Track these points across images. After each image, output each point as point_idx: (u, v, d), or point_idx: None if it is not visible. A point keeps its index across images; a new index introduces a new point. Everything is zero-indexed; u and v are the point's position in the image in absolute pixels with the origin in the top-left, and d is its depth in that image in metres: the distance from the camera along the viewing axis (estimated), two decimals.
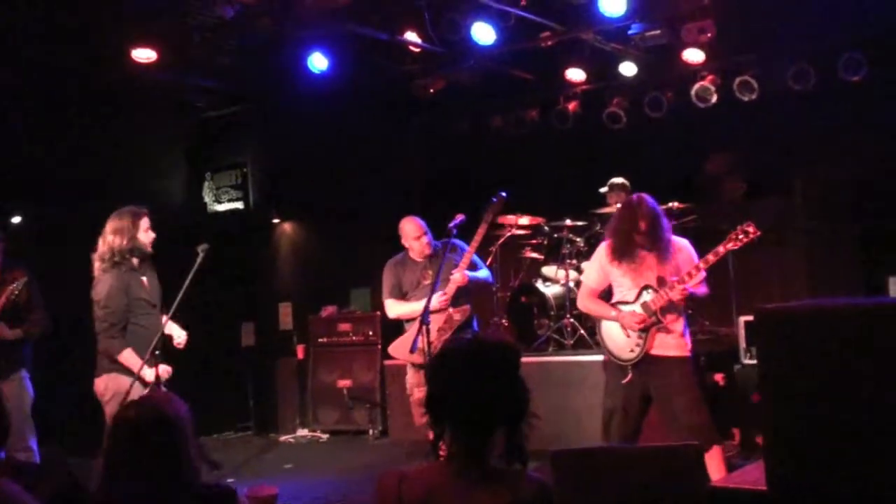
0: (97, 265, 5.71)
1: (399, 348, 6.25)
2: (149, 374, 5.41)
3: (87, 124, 8.67)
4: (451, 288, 6.09)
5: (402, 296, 6.36)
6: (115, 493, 2.60)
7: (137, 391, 5.29)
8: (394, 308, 6.39)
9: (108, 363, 5.57)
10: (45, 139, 8.35)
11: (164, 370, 5.55)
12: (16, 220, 8.55)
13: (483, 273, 6.41)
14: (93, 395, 5.65)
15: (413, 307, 6.19)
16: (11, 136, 8.11)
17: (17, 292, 6.04)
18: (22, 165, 8.23)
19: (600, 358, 6.35)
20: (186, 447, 2.67)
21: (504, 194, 6.22)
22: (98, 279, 5.66)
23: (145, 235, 5.79)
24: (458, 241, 6.28)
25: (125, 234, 5.69)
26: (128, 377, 5.41)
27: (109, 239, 5.67)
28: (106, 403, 5.53)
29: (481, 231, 6.15)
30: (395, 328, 8.91)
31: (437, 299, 5.97)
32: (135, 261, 5.74)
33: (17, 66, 7.57)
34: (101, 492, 2.63)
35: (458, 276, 6.09)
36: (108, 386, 5.52)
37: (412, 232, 6.32)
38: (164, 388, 5.42)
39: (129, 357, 5.48)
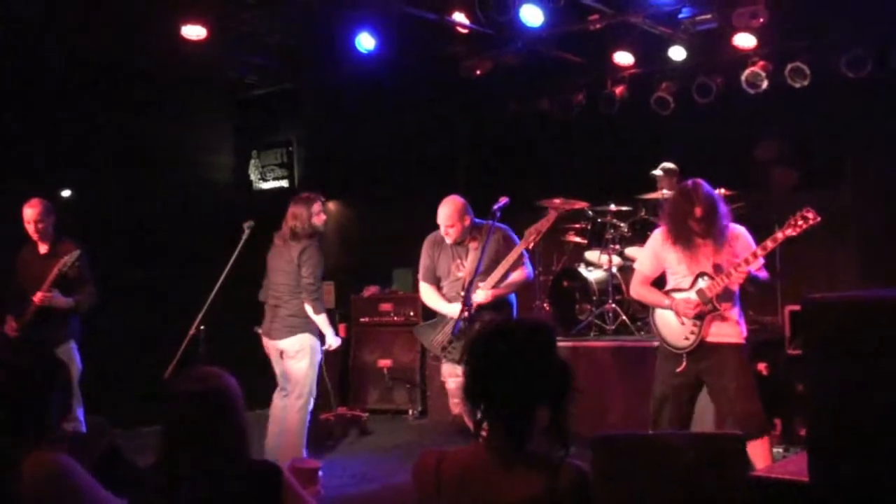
0: (278, 242, 6.46)
1: (423, 333, 6.25)
2: (335, 340, 6.44)
3: (136, 102, 8.77)
4: (474, 301, 5.86)
5: (436, 281, 6.21)
6: (169, 465, 2.64)
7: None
8: (426, 296, 6.28)
9: (304, 324, 6.30)
10: (95, 115, 8.47)
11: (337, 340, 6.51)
12: (66, 193, 8.70)
13: (515, 280, 6.02)
14: (139, 368, 5.77)
15: (443, 308, 6.10)
16: (63, 113, 8.23)
17: (68, 264, 6.15)
18: (72, 142, 8.36)
19: (642, 344, 6.33)
20: (237, 422, 2.70)
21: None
22: (303, 248, 6.32)
23: (317, 218, 6.44)
24: (502, 227, 6.10)
25: (302, 216, 6.37)
26: (316, 339, 6.33)
27: (290, 222, 6.37)
28: (291, 358, 6.33)
29: (524, 244, 5.98)
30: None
31: (455, 310, 5.91)
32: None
33: (69, 43, 7.68)
34: (156, 463, 2.67)
35: (482, 296, 5.86)
36: (302, 344, 6.30)
37: (440, 219, 6.08)
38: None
39: (324, 320, 6.37)
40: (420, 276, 6.35)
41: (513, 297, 6.19)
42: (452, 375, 6.06)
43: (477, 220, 6.12)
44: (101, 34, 7.63)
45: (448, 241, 6.11)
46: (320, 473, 3.37)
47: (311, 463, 3.21)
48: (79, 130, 8.38)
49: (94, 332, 6.73)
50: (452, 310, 5.99)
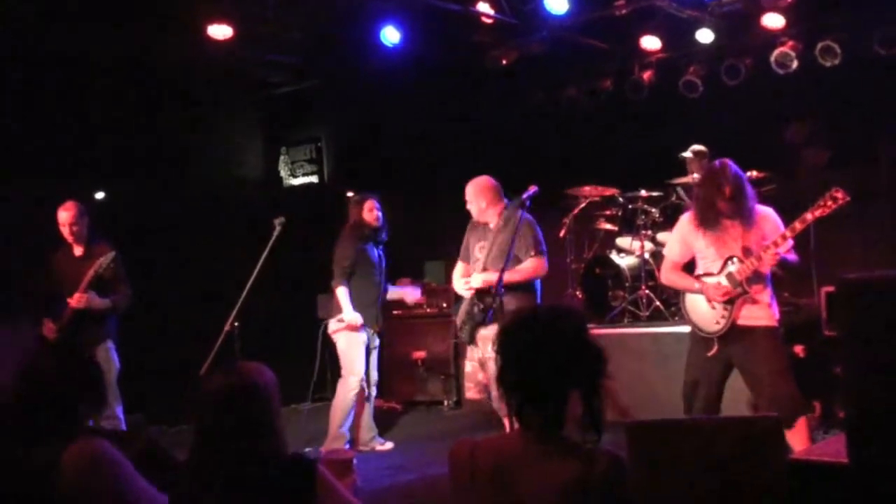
0: None
1: (456, 310, 6.32)
2: (347, 316, 6.89)
3: (165, 100, 8.85)
4: (471, 284, 6.03)
5: (469, 259, 6.30)
6: (203, 459, 2.67)
7: None
8: (454, 274, 6.42)
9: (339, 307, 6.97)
10: (126, 118, 8.56)
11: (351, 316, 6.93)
12: (100, 195, 8.79)
13: (523, 272, 5.95)
14: (175, 366, 5.87)
15: (455, 286, 6.28)
16: (93, 114, 8.32)
17: (104, 266, 6.22)
18: (105, 144, 8.46)
19: (676, 329, 6.30)
20: (274, 416, 2.72)
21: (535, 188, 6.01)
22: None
23: (369, 215, 7.04)
24: (527, 218, 6.04)
25: (354, 214, 7.06)
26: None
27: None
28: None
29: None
30: None
31: (461, 284, 6.12)
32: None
33: (98, 44, 7.75)
34: (192, 458, 2.70)
35: (477, 280, 5.96)
36: (338, 325, 6.97)
37: (466, 196, 6.28)
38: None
39: (341, 293, 7.00)
40: (460, 256, 6.48)
41: (537, 285, 6.15)
42: (471, 360, 6.14)
43: (512, 208, 6.10)
44: (129, 37, 7.71)
45: (474, 216, 6.27)
46: (355, 462, 3.39)
47: (344, 454, 3.23)
48: (110, 133, 8.48)
49: (132, 332, 6.81)
50: (460, 288, 6.16)
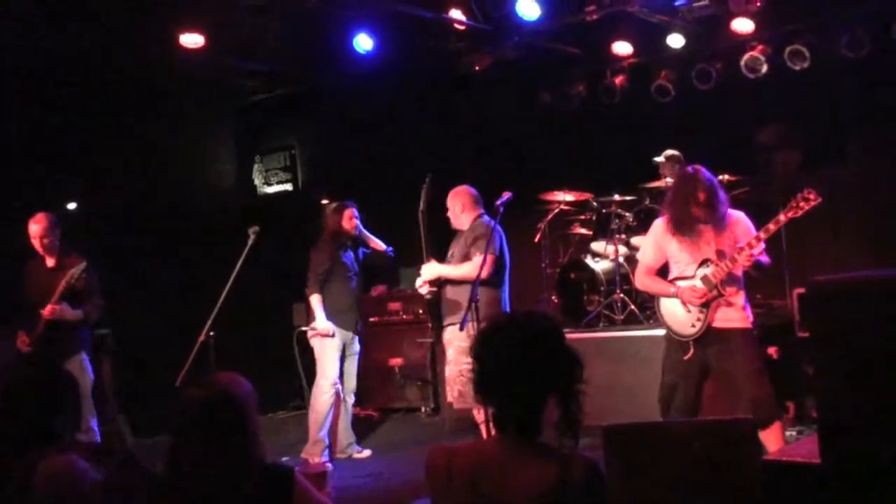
0: None
1: None
2: (320, 325, 6.92)
3: (138, 110, 8.79)
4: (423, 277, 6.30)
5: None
6: (180, 471, 2.65)
7: None
8: None
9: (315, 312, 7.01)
10: (97, 127, 8.50)
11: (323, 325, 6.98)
12: (71, 206, 8.72)
13: (463, 269, 6.09)
14: (150, 376, 5.84)
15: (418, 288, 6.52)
16: (63, 124, 8.26)
17: (76, 277, 6.18)
18: (76, 153, 8.39)
19: (651, 333, 6.33)
20: (251, 427, 2.71)
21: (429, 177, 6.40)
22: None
23: (348, 223, 7.11)
24: (485, 221, 6.25)
25: (332, 222, 7.11)
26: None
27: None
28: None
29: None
30: None
31: (417, 282, 6.40)
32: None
33: (68, 53, 7.70)
34: (167, 470, 2.68)
35: (427, 270, 6.24)
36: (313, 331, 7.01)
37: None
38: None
39: (314, 301, 7.03)
40: None
41: (503, 296, 6.27)
42: (449, 363, 6.21)
43: (486, 219, 6.26)
44: (100, 45, 7.66)
45: (451, 224, 6.45)
46: (329, 473, 3.38)
47: (318, 467, 3.22)
48: (81, 142, 8.42)
49: (108, 343, 6.77)
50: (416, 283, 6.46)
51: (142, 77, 8.49)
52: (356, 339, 7.16)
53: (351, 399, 7.22)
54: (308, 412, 7.04)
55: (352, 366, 7.15)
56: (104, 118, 8.55)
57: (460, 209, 6.32)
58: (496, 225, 5.97)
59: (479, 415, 5.92)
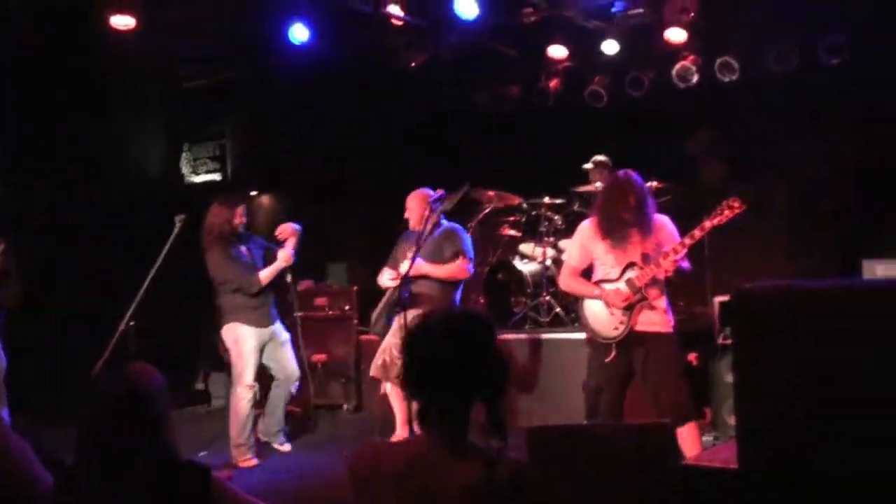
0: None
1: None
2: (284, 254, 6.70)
3: (65, 94, 8.56)
4: (398, 273, 6.31)
5: (395, 266, 6.51)
6: (88, 463, 2.58)
7: None
8: (379, 277, 6.70)
9: (228, 314, 6.64)
10: (21, 109, 8.25)
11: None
12: None
13: (447, 269, 6.40)
14: (65, 364, 5.68)
15: (387, 281, 6.55)
16: None
17: None
18: None
19: (576, 336, 6.39)
20: (162, 421, 2.64)
21: (468, 184, 6.58)
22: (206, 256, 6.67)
23: (239, 220, 6.63)
24: (453, 226, 6.54)
25: (221, 216, 6.59)
26: (244, 326, 6.57)
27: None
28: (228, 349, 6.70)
29: (430, 219, 6.39)
30: (372, 303, 8.92)
31: (387, 277, 6.49)
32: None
33: None
34: (78, 462, 2.61)
35: (404, 265, 6.22)
36: (228, 334, 6.64)
37: (410, 203, 6.59)
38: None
39: (268, 273, 6.70)
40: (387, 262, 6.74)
41: (455, 294, 6.52)
42: (388, 337, 6.46)
43: (443, 220, 6.54)
44: (27, 25, 7.44)
45: (410, 224, 6.54)
46: (232, 480, 3.34)
47: (220, 474, 3.15)
48: (4, 124, 8.16)
49: (23, 330, 6.56)
50: (385, 280, 6.50)
51: (71, 59, 8.26)
52: (277, 328, 6.82)
53: (292, 388, 6.87)
54: (229, 413, 6.76)
55: (284, 353, 6.81)
56: (29, 102, 8.30)
57: (424, 210, 6.42)
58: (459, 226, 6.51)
59: (392, 397, 6.41)
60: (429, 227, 6.36)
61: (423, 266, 6.29)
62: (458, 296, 6.56)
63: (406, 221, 6.65)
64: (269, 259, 6.75)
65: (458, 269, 6.40)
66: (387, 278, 6.51)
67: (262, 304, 6.70)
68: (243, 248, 6.71)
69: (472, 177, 8.72)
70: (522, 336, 7.74)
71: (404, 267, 6.20)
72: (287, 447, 7.04)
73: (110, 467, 2.55)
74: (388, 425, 6.48)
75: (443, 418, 2.42)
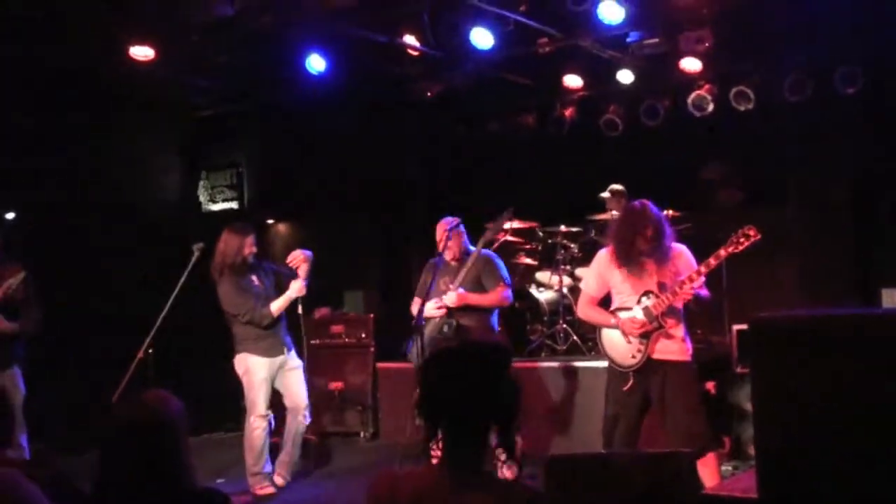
0: None
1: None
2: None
3: (83, 122, 8.65)
4: (444, 302, 6.30)
5: (427, 296, 6.46)
6: (107, 491, 2.59)
7: None
8: (413, 307, 6.61)
9: (239, 345, 6.58)
10: (40, 137, 8.34)
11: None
12: (10, 216, 8.54)
13: (491, 298, 6.39)
14: (83, 393, 5.69)
15: (432, 310, 6.44)
16: (6, 134, 8.09)
17: (13, 287, 6.02)
18: (17, 163, 8.22)
19: (593, 364, 6.37)
20: (180, 448, 2.66)
21: (511, 210, 6.51)
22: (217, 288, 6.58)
23: (249, 249, 6.53)
24: (488, 253, 6.56)
25: (232, 246, 6.48)
26: (254, 356, 6.50)
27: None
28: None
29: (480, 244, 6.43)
30: (388, 330, 8.92)
31: (431, 306, 6.34)
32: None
33: (13, 62, 7.56)
34: (96, 491, 2.62)
35: (452, 297, 6.26)
36: (240, 365, 6.59)
37: (437, 232, 6.54)
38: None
39: (279, 304, 6.62)
40: (416, 293, 6.69)
41: (494, 321, 6.49)
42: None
43: (468, 248, 6.54)
44: (47, 54, 7.53)
45: (447, 256, 6.46)
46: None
47: (239, 501, 3.15)
48: (24, 151, 8.25)
49: (42, 357, 6.60)
50: (430, 309, 6.38)
51: (89, 88, 8.36)
52: (289, 356, 6.69)
53: (301, 418, 6.68)
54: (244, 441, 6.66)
55: (294, 381, 6.68)
56: (48, 128, 8.39)
57: (463, 239, 6.50)
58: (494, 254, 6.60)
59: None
60: (453, 254, 6.43)
61: (469, 296, 6.31)
62: (496, 323, 6.54)
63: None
64: (280, 285, 6.68)
65: (501, 297, 6.40)
66: (431, 307, 6.38)
67: (273, 333, 6.62)
68: (254, 278, 6.62)
69: (488, 205, 8.81)
70: (539, 364, 7.73)
71: (448, 298, 6.24)
72: (270, 490, 6.59)
73: (129, 495, 2.56)
74: (405, 453, 6.45)
75: (458, 446, 2.42)
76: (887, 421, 2.50)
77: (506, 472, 5.15)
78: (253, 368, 6.54)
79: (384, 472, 2.51)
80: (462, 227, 6.52)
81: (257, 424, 6.54)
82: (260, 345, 6.56)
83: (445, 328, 6.22)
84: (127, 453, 2.58)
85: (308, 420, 6.77)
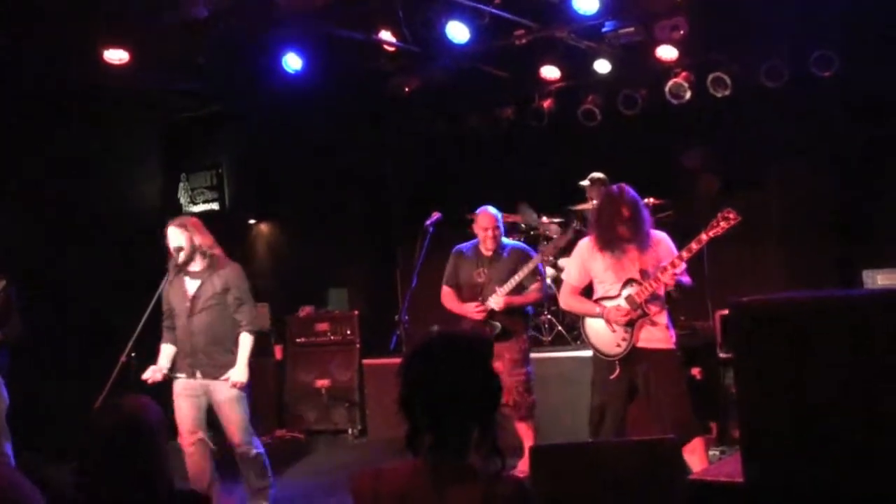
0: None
1: None
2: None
3: (61, 126, 8.59)
4: (489, 305, 6.33)
5: (457, 286, 6.53)
6: (87, 497, 2.59)
7: None
8: (446, 299, 6.61)
9: None
10: (18, 141, 8.27)
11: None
12: None
13: (531, 297, 6.47)
14: (66, 401, 5.64)
15: (460, 308, 6.47)
16: None
17: None
18: None
19: (578, 354, 6.38)
20: (160, 454, 2.66)
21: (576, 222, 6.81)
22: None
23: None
24: (523, 247, 6.62)
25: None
26: None
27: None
28: None
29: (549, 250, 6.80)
30: (373, 327, 8.92)
31: (471, 308, 6.36)
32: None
33: None
34: (74, 496, 2.61)
35: (498, 302, 6.28)
36: None
37: (482, 222, 6.52)
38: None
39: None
40: (444, 280, 6.66)
41: (530, 310, 6.69)
42: (502, 374, 6.27)
43: (504, 243, 6.59)
44: (22, 59, 7.47)
45: (487, 247, 6.46)
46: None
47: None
48: (1, 159, 8.18)
49: (23, 364, 6.55)
50: (470, 310, 6.38)
51: (64, 92, 8.29)
52: (221, 381, 5.76)
53: (247, 450, 5.92)
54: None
55: (226, 414, 5.79)
56: (26, 133, 8.32)
57: (500, 232, 6.55)
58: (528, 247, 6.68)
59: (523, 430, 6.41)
60: (493, 246, 6.46)
61: (514, 300, 6.34)
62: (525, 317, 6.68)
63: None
64: None
65: (539, 293, 6.50)
66: (471, 309, 6.39)
67: (189, 353, 5.78)
68: (189, 281, 5.87)
69: (468, 199, 8.80)
70: None
71: (493, 301, 6.28)
72: None
73: (109, 500, 2.55)
74: (392, 449, 6.43)
75: (443, 439, 2.41)
76: (870, 403, 2.51)
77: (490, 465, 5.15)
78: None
79: (366, 469, 2.50)
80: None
81: (184, 446, 5.73)
82: (180, 362, 5.84)
83: (489, 331, 6.23)
84: (106, 459, 2.58)
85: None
